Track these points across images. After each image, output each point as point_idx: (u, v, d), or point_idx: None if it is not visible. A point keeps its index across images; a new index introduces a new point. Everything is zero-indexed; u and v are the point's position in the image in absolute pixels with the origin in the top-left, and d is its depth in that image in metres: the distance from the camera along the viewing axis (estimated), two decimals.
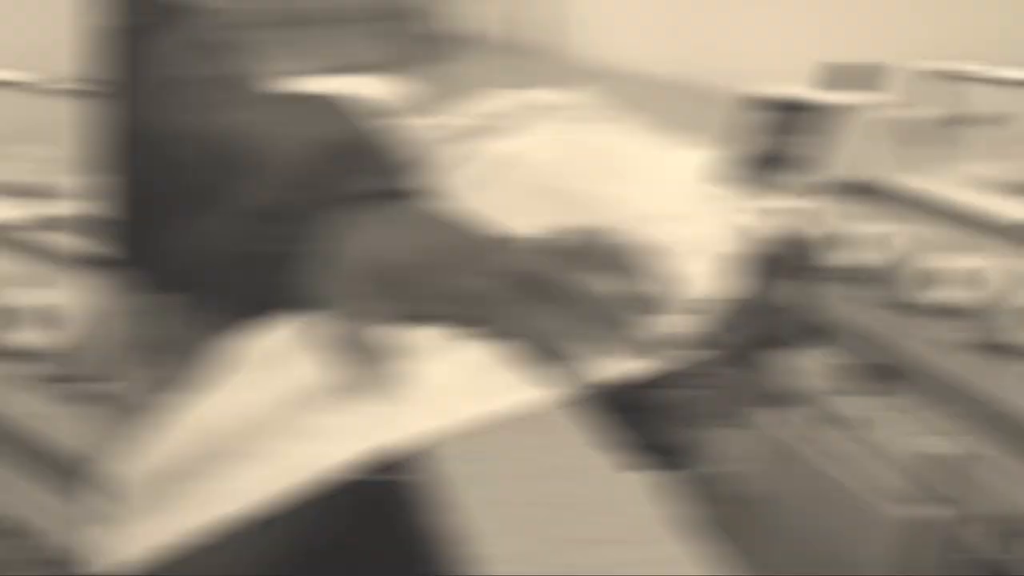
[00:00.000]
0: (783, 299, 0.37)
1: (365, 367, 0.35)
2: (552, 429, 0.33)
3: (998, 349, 0.26)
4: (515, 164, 0.57)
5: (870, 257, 0.26)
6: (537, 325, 0.35)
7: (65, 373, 0.46)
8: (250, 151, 0.41)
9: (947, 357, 0.29)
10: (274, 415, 0.34)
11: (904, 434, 0.29)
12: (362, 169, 0.41)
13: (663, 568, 0.25)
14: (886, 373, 0.32)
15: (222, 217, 0.41)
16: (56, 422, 0.39)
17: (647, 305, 0.37)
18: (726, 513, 0.37)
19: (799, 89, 0.34)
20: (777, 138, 0.33)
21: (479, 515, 0.28)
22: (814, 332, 0.37)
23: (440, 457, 0.31)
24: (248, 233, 0.40)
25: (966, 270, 0.22)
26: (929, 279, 0.24)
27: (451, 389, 0.34)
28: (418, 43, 0.60)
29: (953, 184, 0.32)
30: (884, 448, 0.30)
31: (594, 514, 0.28)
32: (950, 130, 0.32)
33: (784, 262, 0.37)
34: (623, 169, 0.52)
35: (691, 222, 0.46)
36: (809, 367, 0.34)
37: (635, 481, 0.30)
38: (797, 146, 0.33)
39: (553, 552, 0.26)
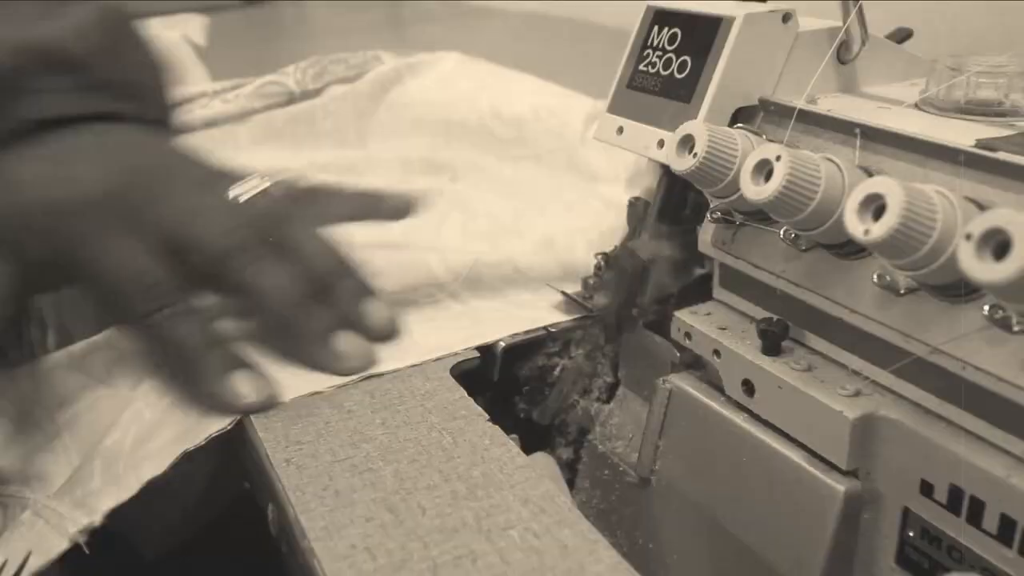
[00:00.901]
0: (665, 248, 0.34)
1: None
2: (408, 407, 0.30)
3: (931, 291, 0.24)
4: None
5: (776, 189, 0.24)
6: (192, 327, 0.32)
7: None
8: None
9: (872, 303, 0.26)
10: None
11: (826, 393, 0.27)
12: (64, 81, 0.35)
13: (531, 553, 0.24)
14: (800, 325, 0.29)
15: None
16: None
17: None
18: (617, 495, 0.35)
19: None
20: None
21: (337, 498, 0.26)
22: (702, 284, 0.34)
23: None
24: None
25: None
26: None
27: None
28: None
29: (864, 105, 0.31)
30: (805, 411, 0.28)
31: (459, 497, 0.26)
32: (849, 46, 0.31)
33: (665, 205, 0.33)
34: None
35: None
36: (699, 323, 0.31)
37: (508, 458, 0.27)
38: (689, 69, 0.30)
39: (408, 541, 0.24)
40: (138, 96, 0.38)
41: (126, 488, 0.29)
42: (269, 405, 0.32)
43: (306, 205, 0.38)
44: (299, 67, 0.64)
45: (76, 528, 0.28)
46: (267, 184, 0.37)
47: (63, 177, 0.34)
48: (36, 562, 0.28)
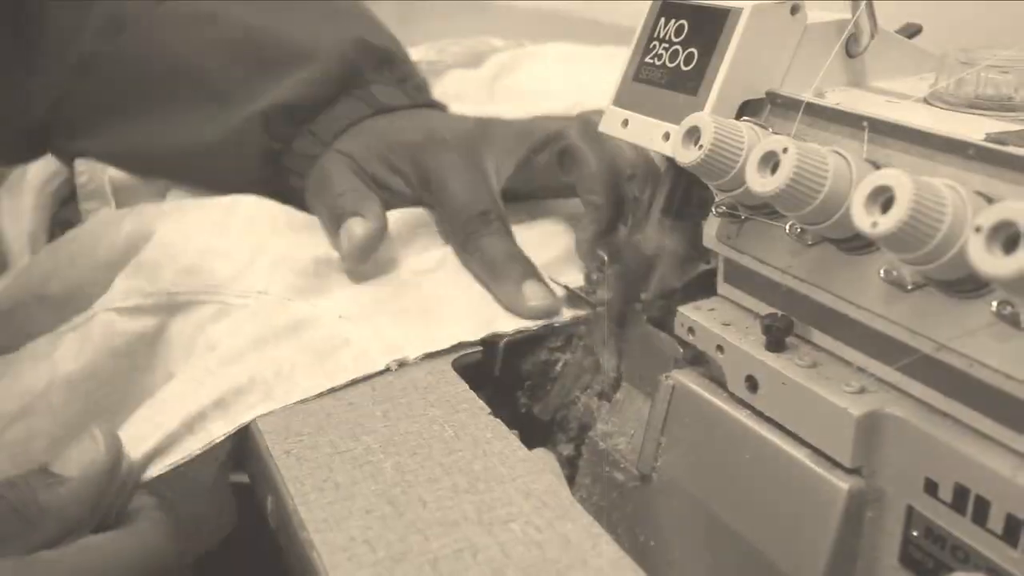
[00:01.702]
0: (672, 241, 0.34)
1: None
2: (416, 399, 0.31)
3: (939, 286, 0.24)
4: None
5: (782, 186, 0.24)
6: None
7: None
8: (287, 50, 0.43)
9: (879, 299, 0.26)
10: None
11: (830, 390, 0.27)
12: (390, 75, 0.45)
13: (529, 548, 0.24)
14: (805, 321, 0.29)
15: (229, 110, 0.43)
16: None
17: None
18: (618, 491, 0.34)
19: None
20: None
21: (343, 486, 0.26)
22: (707, 279, 0.34)
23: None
24: (260, 125, 0.43)
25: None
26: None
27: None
28: None
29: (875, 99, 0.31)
30: (809, 408, 0.27)
31: (463, 490, 0.26)
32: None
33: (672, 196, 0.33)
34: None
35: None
36: (706, 319, 0.31)
37: (511, 454, 0.28)
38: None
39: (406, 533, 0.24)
40: (424, 89, 0.48)
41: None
42: (552, 313, 0.37)
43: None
44: (419, 50, 0.67)
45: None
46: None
47: (409, 132, 0.43)
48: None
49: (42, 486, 0.27)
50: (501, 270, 0.38)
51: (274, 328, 0.34)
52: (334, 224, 0.40)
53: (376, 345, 0.34)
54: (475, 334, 0.36)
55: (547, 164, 0.42)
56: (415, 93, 0.47)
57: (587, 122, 0.41)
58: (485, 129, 0.44)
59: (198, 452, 0.30)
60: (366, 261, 0.39)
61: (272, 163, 0.44)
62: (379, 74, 0.45)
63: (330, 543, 0.25)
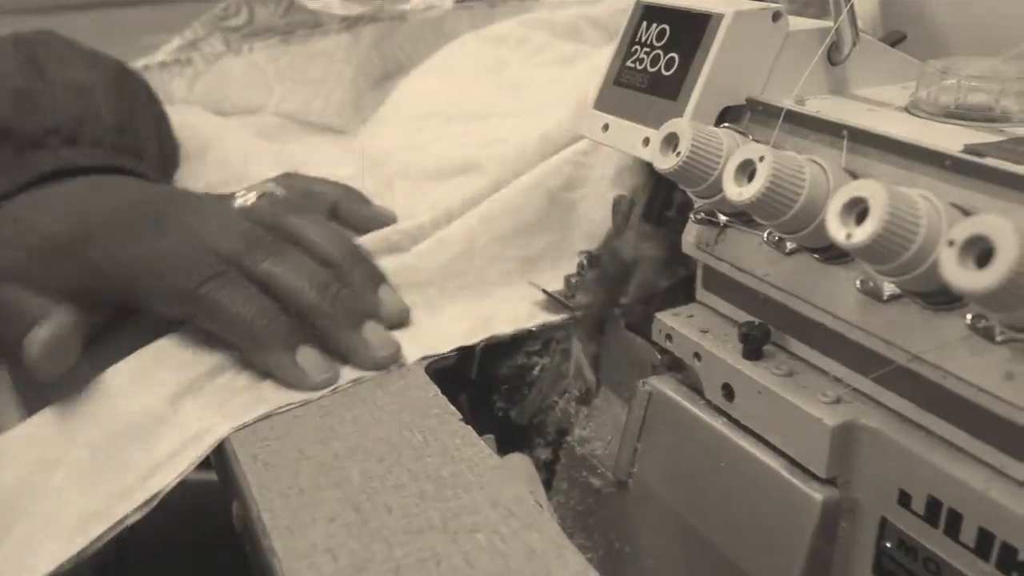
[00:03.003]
0: (650, 248, 0.33)
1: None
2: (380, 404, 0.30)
3: (919, 297, 0.24)
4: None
5: (764, 191, 0.24)
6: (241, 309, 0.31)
7: None
8: None
9: (855, 309, 0.26)
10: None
11: (806, 400, 0.27)
12: (8, 145, 0.36)
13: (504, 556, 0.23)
14: (783, 329, 0.29)
15: None
16: None
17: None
18: (594, 497, 0.34)
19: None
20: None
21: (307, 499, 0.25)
22: (686, 285, 0.33)
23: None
24: None
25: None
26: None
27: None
28: None
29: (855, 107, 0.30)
30: (784, 417, 0.27)
31: (429, 497, 0.25)
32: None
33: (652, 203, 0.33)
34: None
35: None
36: (682, 326, 0.30)
37: (481, 461, 0.27)
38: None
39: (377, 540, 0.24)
40: (138, 153, 0.41)
41: None
42: (333, 382, 0.32)
43: (306, 201, 0.39)
44: None
45: None
46: (267, 189, 0.39)
47: (70, 212, 0.35)
48: None
49: None
50: (259, 335, 0.32)
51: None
52: (14, 347, 0.32)
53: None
54: (470, 338, 0.35)
55: None
56: (50, 157, 0.37)
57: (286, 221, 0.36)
58: (167, 199, 0.36)
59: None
60: (62, 369, 0.32)
61: None
62: None
63: (291, 550, 0.24)
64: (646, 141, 0.32)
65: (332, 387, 0.32)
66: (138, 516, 0.28)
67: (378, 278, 0.36)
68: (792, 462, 0.28)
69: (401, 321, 0.35)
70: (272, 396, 0.32)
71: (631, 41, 0.34)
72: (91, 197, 0.36)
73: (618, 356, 0.36)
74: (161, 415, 0.31)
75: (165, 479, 0.28)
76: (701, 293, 0.33)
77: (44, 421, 0.32)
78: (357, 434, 0.30)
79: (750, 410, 0.29)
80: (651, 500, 0.33)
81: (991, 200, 0.24)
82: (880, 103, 0.31)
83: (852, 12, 0.31)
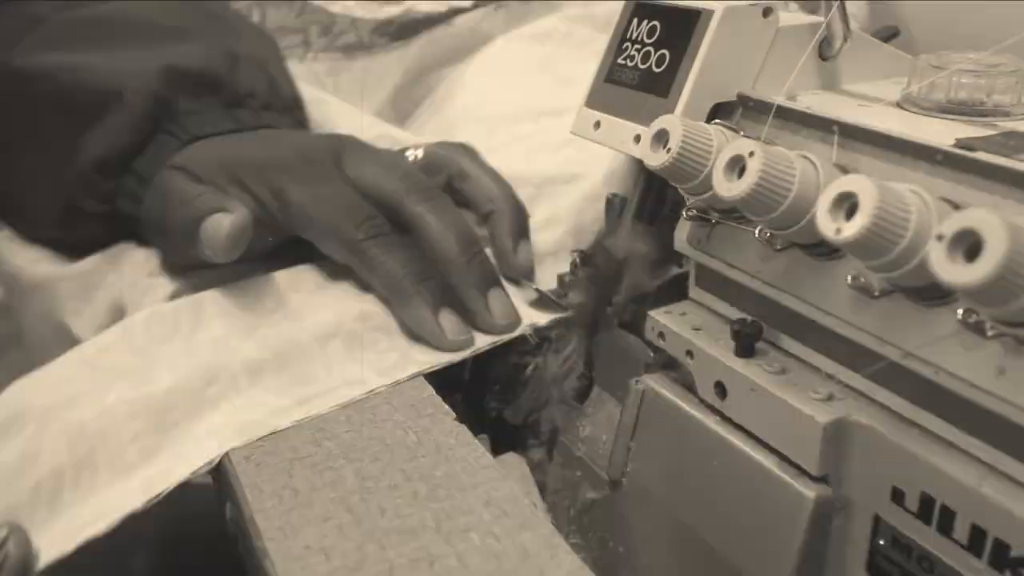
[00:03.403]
0: (643, 247, 0.33)
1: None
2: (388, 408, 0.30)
3: (908, 293, 0.24)
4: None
5: (753, 189, 0.24)
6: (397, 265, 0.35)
7: None
8: (94, 93, 0.39)
9: (847, 306, 0.26)
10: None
11: (798, 397, 0.27)
12: (213, 100, 0.40)
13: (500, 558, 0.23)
14: (775, 326, 0.29)
15: (56, 167, 0.39)
16: None
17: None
18: (589, 496, 0.34)
19: None
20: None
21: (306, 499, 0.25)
22: (679, 283, 0.33)
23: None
24: (82, 187, 0.39)
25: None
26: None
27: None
28: None
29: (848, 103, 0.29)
30: (776, 415, 0.27)
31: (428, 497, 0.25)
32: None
33: (647, 201, 0.33)
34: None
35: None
36: (676, 324, 0.30)
37: (478, 459, 0.27)
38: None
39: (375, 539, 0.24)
40: (275, 106, 0.43)
41: None
42: (468, 346, 0.34)
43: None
44: None
45: None
46: (430, 147, 0.42)
47: (252, 148, 0.38)
48: None
49: None
50: (409, 293, 0.34)
51: None
52: (193, 228, 0.35)
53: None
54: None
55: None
56: (252, 116, 0.41)
57: (434, 164, 0.40)
58: (343, 144, 0.39)
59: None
60: (236, 255, 0.35)
61: (102, 221, 0.40)
62: (197, 102, 0.40)
63: (284, 552, 0.24)
64: (637, 138, 0.31)
65: (469, 349, 0.34)
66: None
67: (518, 238, 0.39)
68: (785, 459, 0.28)
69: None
70: (419, 357, 0.33)
71: (622, 38, 0.34)
72: (282, 139, 0.40)
73: (611, 355, 0.36)
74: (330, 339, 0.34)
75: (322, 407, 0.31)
76: (694, 290, 0.33)
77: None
78: (350, 434, 0.30)
79: (742, 408, 0.29)
80: (645, 499, 0.33)
81: (983, 195, 0.24)
82: (871, 98, 0.31)
83: (843, 7, 0.31)
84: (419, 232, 0.36)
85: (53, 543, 0.27)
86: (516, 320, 0.35)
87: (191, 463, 0.28)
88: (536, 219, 0.41)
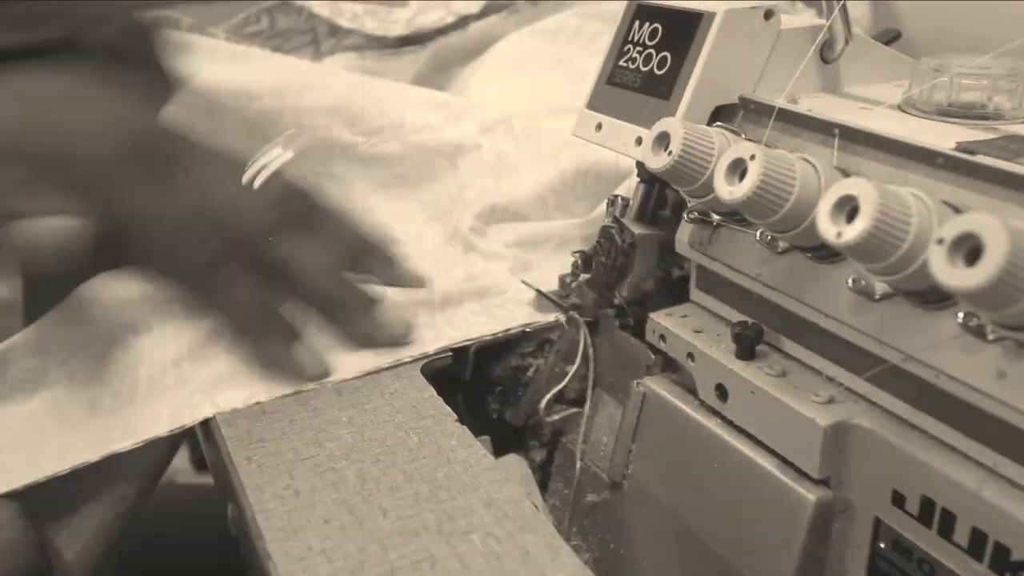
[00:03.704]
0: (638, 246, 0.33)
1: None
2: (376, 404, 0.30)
3: (912, 297, 0.24)
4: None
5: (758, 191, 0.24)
6: (244, 296, 0.31)
7: None
8: None
9: (847, 309, 0.26)
10: None
11: (799, 400, 0.27)
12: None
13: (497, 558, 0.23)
14: (776, 329, 0.29)
15: None
16: None
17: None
18: (589, 498, 0.34)
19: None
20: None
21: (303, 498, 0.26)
22: (680, 285, 0.33)
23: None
24: None
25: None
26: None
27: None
28: None
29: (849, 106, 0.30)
30: (777, 417, 0.27)
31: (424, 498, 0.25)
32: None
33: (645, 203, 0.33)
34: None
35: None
36: (676, 325, 0.30)
37: (475, 460, 0.27)
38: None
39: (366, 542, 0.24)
40: (96, 24, 0.33)
41: None
42: (325, 376, 0.32)
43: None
44: None
45: None
46: (288, 157, 0.36)
47: (56, 115, 0.30)
48: None
49: None
50: (255, 329, 0.32)
51: None
52: None
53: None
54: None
55: None
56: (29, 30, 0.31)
57: (300, 205, 0.34)
58: (172, 138, 0.32)
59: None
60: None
61: None
62: None
63: (286, 553, 0.24)
64: (639, 140, 0.32)
65: (325, 380, 0.32)
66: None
67: (392, 259, 0.36)
68: (785, 462, 0.28)
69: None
70: (261, 388, 0.32)
71: (623, 40, 0.34)
72: (98, 105, 0.31)
73: (612, 356, 0.36)
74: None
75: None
76: (695, 293, 0.33)
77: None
78: (352, 435, 0.30)
79: (743, 410, 0.29)
80: (646, 501, 0.33)
81: (983, 198, 0.24)
82: (873, 101, 0.31)
83: (845, 10, 0.31)
84: (286, 274, 0.33)
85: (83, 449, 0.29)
86: (409, 327, 0.34)
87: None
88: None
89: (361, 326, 0.34)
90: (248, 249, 0.32)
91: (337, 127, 0.45)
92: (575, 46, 0.57)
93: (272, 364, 0.32)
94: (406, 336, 0.34)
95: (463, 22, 0.61)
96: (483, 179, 0.44)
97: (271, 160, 0.35)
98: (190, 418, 0.31)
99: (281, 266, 0.33)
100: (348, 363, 0.33)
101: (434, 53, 0.61)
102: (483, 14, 0.61)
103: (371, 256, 0.35)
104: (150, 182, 0.30)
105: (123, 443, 0.30)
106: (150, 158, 0.31)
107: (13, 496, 0.28)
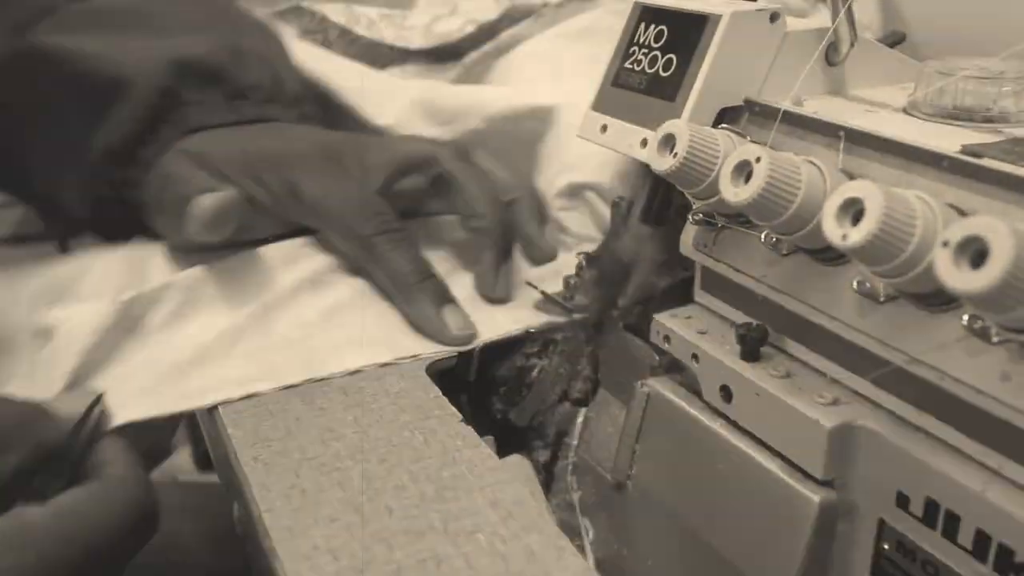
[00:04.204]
0: (650, 249, 0.34)
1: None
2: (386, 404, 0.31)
3: (915, 299, 0.24)
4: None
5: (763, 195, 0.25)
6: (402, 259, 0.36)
7: None
8: (104, 80, 0.40)
9: (852, 311, 0.26)
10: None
11: (803, 401, 0.27)
12: (216, 91, 0.41)
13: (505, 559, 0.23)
14: (780, 331, 0.29)
15: (73, 152, 0.40)
16: None
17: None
18: (593, 498, 0.34)
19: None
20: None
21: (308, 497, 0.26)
22: (685, 286, 0.33)
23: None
24: (95, 174, 0.40)
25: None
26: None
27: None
28: None
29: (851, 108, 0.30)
30: (782, 419, 0.27)
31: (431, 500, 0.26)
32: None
33: (651, 203, 0.33)
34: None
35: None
36: (682, 328, 0.31)
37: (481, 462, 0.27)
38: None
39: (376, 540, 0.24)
40: (279, 100, 0.43)
41: None
42: (471, 340, 0.35)
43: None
44: None
45: None
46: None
47: (267, 140, 0.40)
48: None
49: (34, 414, 0.28)
50: (414, 289, 0.36)
51: None
52: (182, 206, 0.36)
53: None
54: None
55: (414, 188, 0.40)
56: (254, 108, 0.41)
57: (460, 146, 0.40)
58: (349, 142, 0.40)
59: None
60: (222, 235, 0.36)
61: (120, 206, 0.41)
62: (200, 93, 0.40)
63: (293, 552, 0.25)
64: (644, 142, 0.32)
65: (472, 344, 0.35)
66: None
67: (535, 212, 0.41)
68: (790, 463, 0.28)
69: (552, 255, 0.40)
70: (407, 344, 0.35)
71: (629, 42, 0.34)
72: (290, 133, 0.41)
73: (616, 357, 0.36)
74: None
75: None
76: (699, 294, 0.33)
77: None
78: (358, 434, 0.30)
79: (748, 411, 0.29)
80: (650, 502, 0.33)
81: (989, 201, 0.24)
82: (878, 104, 0.31)
83: (850, 12, 0.31)
84: (456, 187, 0.38)
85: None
86: (508, 293, 0.38)
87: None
88: None
89: (423, 314, 0.36)
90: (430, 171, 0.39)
91: (418, 121, 0.46)
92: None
93: (423, 322, 0.35)
94: (466, 341, 0.35)
95: (491, 32, 0.60)
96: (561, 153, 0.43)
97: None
98: (337, 367, 0.33)
99: (455, 185, 0.39)
100: (489, 325, 0.36)
101: (467, 67, 0.61)
102: (504, 20, 0.61)
103: (521, 202, 0.40)
104: (333, 174, 0.38)
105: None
106: (329, 159, 0.39)
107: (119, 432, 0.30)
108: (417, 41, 0.60)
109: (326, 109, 0.48)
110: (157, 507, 0.29)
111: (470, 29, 0.59)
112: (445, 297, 0.36)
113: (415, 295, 0.36)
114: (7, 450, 0.27)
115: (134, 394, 0.32)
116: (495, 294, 0.37)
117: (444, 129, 0.47)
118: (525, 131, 0.45)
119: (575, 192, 0.41)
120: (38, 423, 0.28)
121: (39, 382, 0.32)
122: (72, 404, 0.30)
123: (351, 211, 0.37)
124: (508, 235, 0.39)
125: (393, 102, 0.50)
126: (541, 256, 0.39)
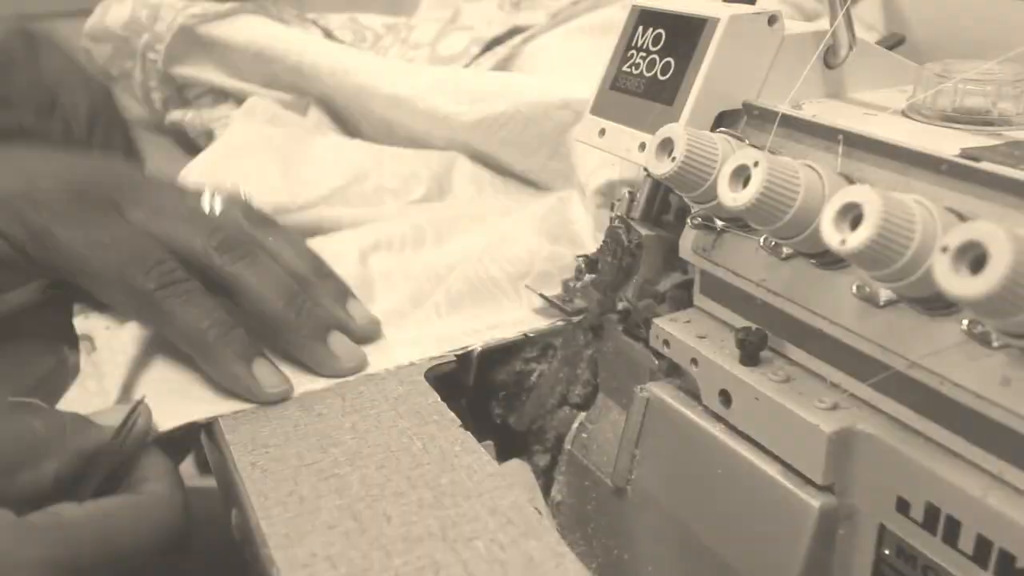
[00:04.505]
0: (643, 253, 0.33)
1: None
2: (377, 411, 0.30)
3: (914, 303, 0.24)
4: None
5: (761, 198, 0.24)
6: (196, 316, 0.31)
7: None
8: None
9: (852, 315, 0.26)
10: None
11: (803, 406, 0.27)
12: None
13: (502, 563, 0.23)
14: (780, 335, 0.29)
15: None
16: None
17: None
18: (593, 503, 0.34)
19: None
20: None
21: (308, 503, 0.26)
22: (684, 291, 0.33)
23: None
24: None
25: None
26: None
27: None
28: None
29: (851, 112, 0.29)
30: (781, 424, 0.27)
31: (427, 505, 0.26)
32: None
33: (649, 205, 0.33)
34: None
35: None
36: (680, 331, 0.30)
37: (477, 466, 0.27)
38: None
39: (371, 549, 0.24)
40: (54, 112, 0.39)
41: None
42: (288, 396, 0.32)
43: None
44: None
45: None
46: (238, 194, 0.38)
47: (6, 178, 0.33)
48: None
49: (73, 422, 0.28)
50: (215, 347, 0.31)
51: None
52: None
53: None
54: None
55: None
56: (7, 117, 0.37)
57: (235, 235, 0.34)
58: (121, 181, 0.34)
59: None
60: None
61: None
62: None
63: (290, 559, 0.24)
64: (642, 146, 0.32)
65: (285, 399, 0.32)
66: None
67: (345, 292, 0.36)
68: (789, 468, 0.28)
69: (373, 334, 0.35)
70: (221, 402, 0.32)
71: (627, 46, 0.34)
72: (46, 166, 0.34)
73: (616, 362, 0.36)
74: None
75: None
76: (699, 298, 0.33)
77: None
78: (356, 440, 0.30)
79: (747, 416, 0.29)
80: (649, 506, 0.33)
81: (988, 205, 0.24)
82: (877, 107, 0.31)
83: (849, 15, 0.31)
84: (237, 295, 0.33)
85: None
86: (363, 358, 0.33)
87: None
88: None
89: (310, 354, 0.33)
90: (202, 269, 0.33)
91: (439, 96, 0.45)
92: None
93: (231, 382, 0.32)
94: (357, 370, 0.33)
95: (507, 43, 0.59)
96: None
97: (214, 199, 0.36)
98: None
99: (238, 283, 0.33)
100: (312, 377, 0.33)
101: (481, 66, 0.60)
102: (511, 33, 0.60)
103: (326, 286, 0.35)
104: (92, 217, 0.32)
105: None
106: (92, 196, 0.33)
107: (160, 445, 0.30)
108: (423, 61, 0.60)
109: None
110: (189, 528, 0.28)
111: (475, 51, 0.58)
112: (253, 351, 0.32)
113: (217, 353, 0.31)
114: (46, 458, 0.27)
115: (174, 401, 0.31)
116: (336, 371, 0.33)
117: (468, 108, 0.46)
118: (554, 122, 0.45)
119: (613, 189, 0.40)
120: (77, 432, 0.28)
121: (92, 395, 0.32)
122: (112, 413, 0.29)
123: (123, 262, 0.32)
124: (315, 317, 0.33)
125: (410, 77, 0.49)
126: (363, 335, 0.35)
